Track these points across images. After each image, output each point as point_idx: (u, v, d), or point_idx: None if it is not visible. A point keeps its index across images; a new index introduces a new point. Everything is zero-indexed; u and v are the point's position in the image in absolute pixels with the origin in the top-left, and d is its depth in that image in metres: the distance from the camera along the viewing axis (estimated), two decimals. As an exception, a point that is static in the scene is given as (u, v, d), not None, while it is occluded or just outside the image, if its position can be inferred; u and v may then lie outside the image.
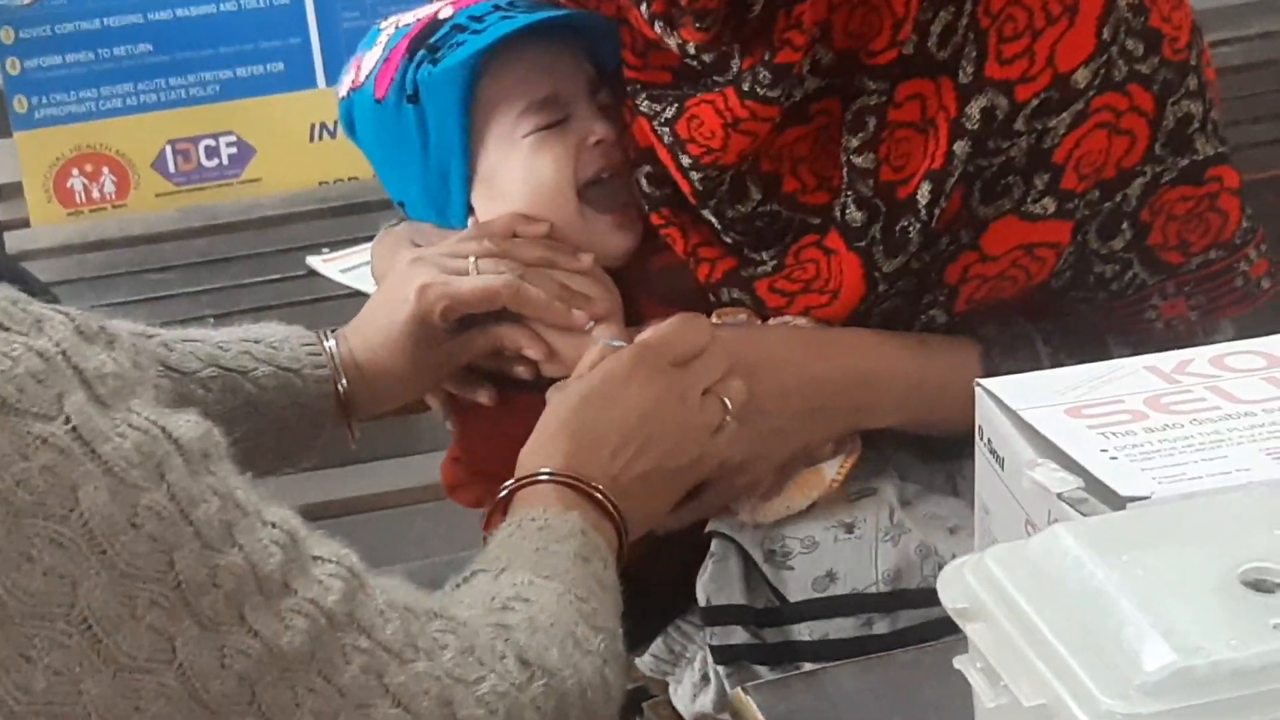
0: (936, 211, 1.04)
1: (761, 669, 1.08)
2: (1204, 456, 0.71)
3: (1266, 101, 2.09)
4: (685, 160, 1.07)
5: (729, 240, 1.11)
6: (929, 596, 1.06)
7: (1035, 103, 1.02)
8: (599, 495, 0.96)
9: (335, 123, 2.06)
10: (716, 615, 1.08)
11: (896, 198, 1.05)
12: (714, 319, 1.12)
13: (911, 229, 1.04)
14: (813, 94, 1.06)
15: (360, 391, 1.10)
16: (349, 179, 2.04)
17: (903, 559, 1.06)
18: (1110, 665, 0.56)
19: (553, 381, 1.08)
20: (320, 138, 2.07)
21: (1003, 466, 0.77)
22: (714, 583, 1.08)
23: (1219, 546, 0.60)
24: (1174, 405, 0.75)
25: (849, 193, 1.06)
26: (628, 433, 0.99)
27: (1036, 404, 0.76)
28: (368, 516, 2.24)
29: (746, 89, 1.04)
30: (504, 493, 0.97)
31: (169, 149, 2.02)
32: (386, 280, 1.14)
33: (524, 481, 0.97)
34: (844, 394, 1.08)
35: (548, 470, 0.97)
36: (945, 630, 1.06)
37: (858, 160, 1.05)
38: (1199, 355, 0.80)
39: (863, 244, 1.06)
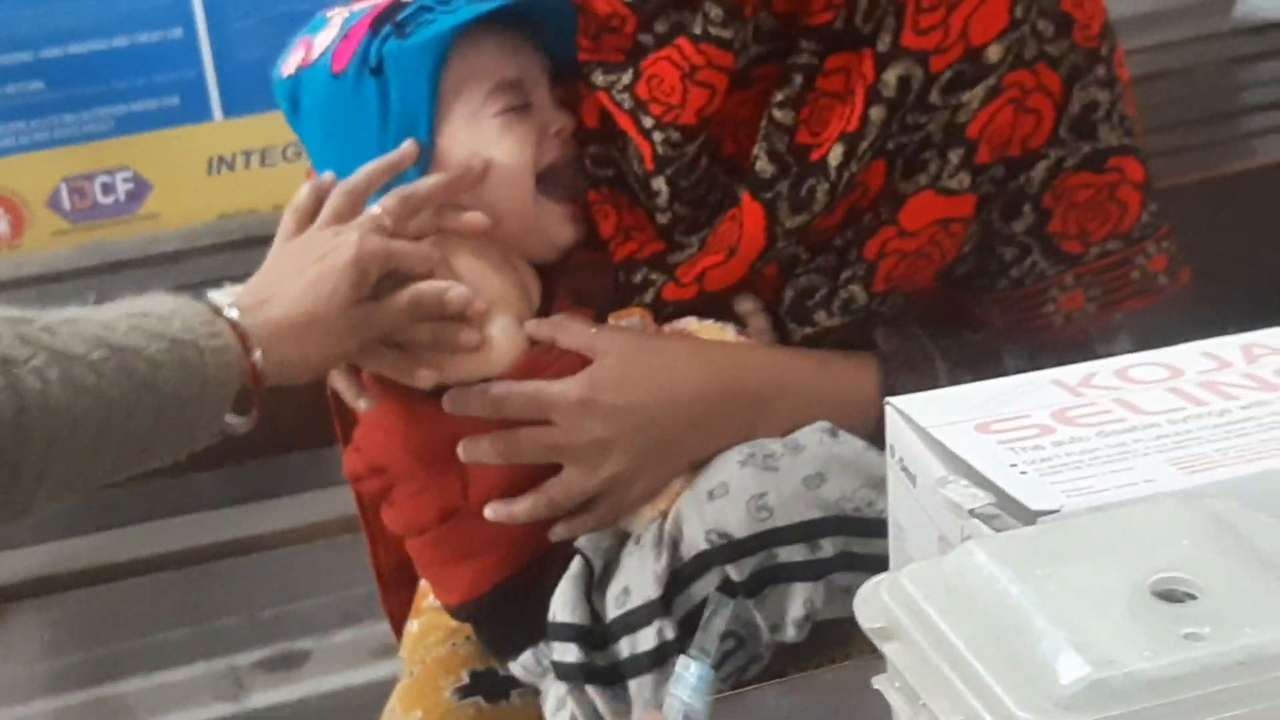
0: (846, 175, 1.06)
1: (594, 689, 1.07)
2: (1111, 469, 0.72)
3: (1163, 112, 2.14)
4: (648, 122, 1.09)
5: (663, 222, 1.12)
6: (694, 581, 1.06)
7: (949, 75, 1.05)
8: None
9: (234, 155, 2.05)
10: (556, 632, 1.08)
11: (809, 159, 1.07)
12: (610, 320, 1.12)
13: (819, 188, 1.06)
14: (755, 59, 1.08)
15: (282, 355, 1.03)
16: (248, 211, 2.03)
17: (672, 560, 1.06)
18: (1027, 680, 0.56)
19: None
20: (218, 171, 2.05)
21: (914, 484, 0.78)
22: (560, 599, 1.08)
23: (1129, 558, 0.61)
24: (1080, 418, 0.76)
25: (763, 144, 1.08)
26: None
27: (946, 421, 0.76)
28: (282, 551, 2.22)
29: (699, 32, 1.06)
30: None
31: (64, 187, 2.00)
32: (291, 246, 1.10)
33: None
34: (735, 408, 1.09)
35: None
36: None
37: (778, 114, 1.08)
38: (1104, 368, 0.81)
39: (769, 195, 1.08)
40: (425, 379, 1.08)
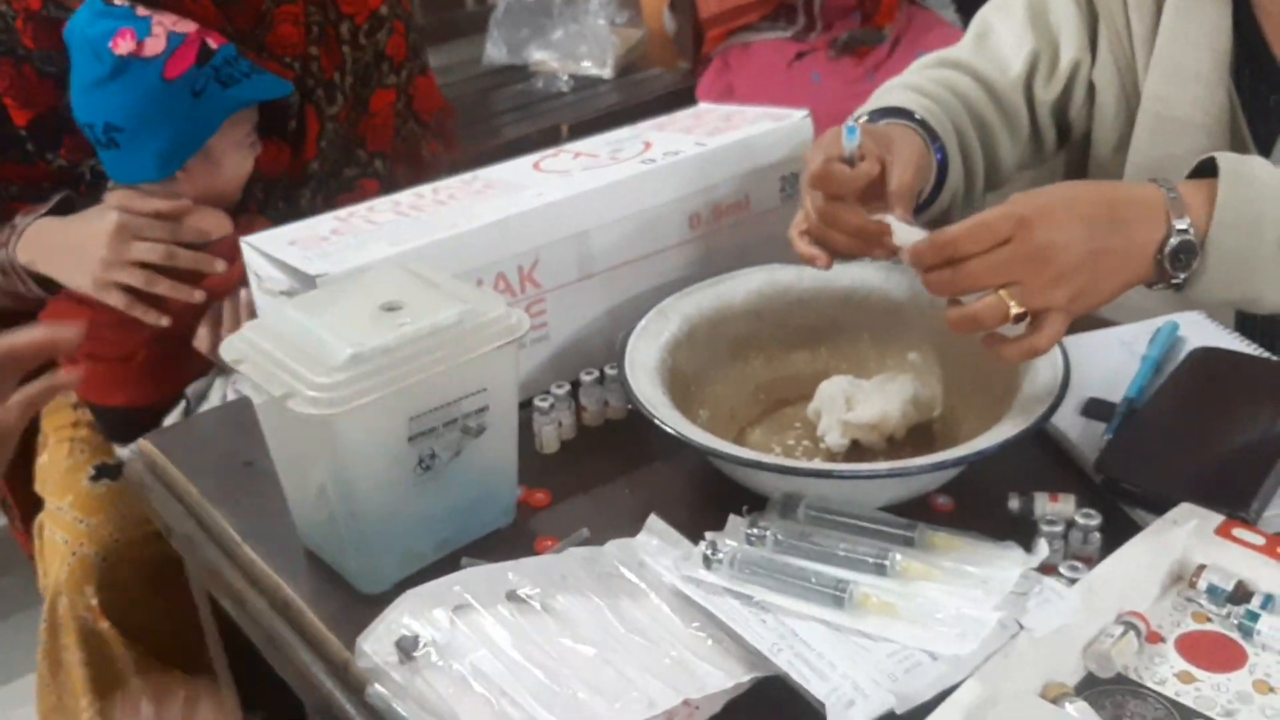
0: (347, 88, 1.88)
1: None
2: (354, 250, 1.21)
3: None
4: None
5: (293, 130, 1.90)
6: None
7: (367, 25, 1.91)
8: None
9: None
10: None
11: (325, 81, 1.88)
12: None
13: (337, 96, 1.88)
14: None
15: None
16: None
17: None
18: (319, 362, 1.02)
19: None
20: None
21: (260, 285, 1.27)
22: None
23: (368, 294, 1.10)
24: (346, 229, 1.27)
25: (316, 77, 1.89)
26: None
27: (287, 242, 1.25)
28: None
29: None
30: None
31: None
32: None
33: None
34: None
35: None
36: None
37: (313, 50, 1.87)
38: (379, 204, 1.33)
39: (314, 99, 1.87)
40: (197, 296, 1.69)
